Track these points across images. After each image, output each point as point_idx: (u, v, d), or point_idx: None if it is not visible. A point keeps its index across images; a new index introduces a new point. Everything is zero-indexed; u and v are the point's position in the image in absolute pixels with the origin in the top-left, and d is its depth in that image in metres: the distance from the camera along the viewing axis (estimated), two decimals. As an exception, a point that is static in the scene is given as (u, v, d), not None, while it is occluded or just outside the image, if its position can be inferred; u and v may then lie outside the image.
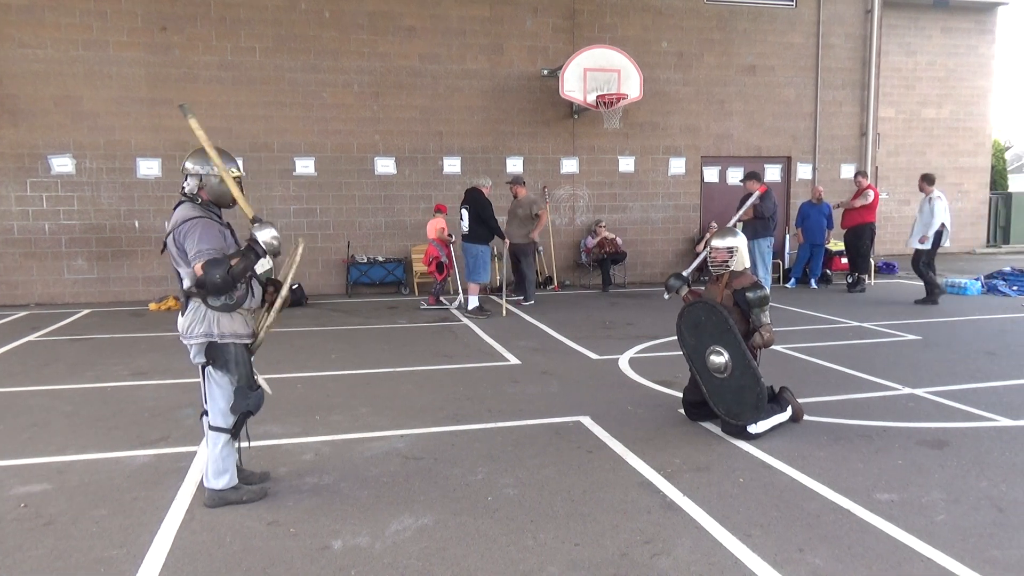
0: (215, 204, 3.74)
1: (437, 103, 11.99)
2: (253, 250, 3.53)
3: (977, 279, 11.45)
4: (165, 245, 3.63)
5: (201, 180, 3.66)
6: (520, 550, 3.28)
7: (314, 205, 11.73)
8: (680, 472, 4.15)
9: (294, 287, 10.71)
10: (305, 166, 11.61)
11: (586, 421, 5.09)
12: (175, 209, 3.68)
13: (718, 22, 13.06)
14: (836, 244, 13.08)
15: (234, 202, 3.67)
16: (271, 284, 3.88)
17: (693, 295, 5.12)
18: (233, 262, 3.47)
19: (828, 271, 12.85)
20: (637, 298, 11.27)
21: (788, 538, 3.37)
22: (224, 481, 3.72)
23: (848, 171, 13.79)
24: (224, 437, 3.71)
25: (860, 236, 11.61)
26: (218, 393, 3.70)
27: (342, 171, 11.76)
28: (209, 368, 3.69)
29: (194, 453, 4.52)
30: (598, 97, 11.43)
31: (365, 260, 11.67)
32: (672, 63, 12.90)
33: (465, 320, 9.29)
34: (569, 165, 12.67)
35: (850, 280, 11.74)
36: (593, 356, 7.18)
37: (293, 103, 11.48)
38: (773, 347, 7.35)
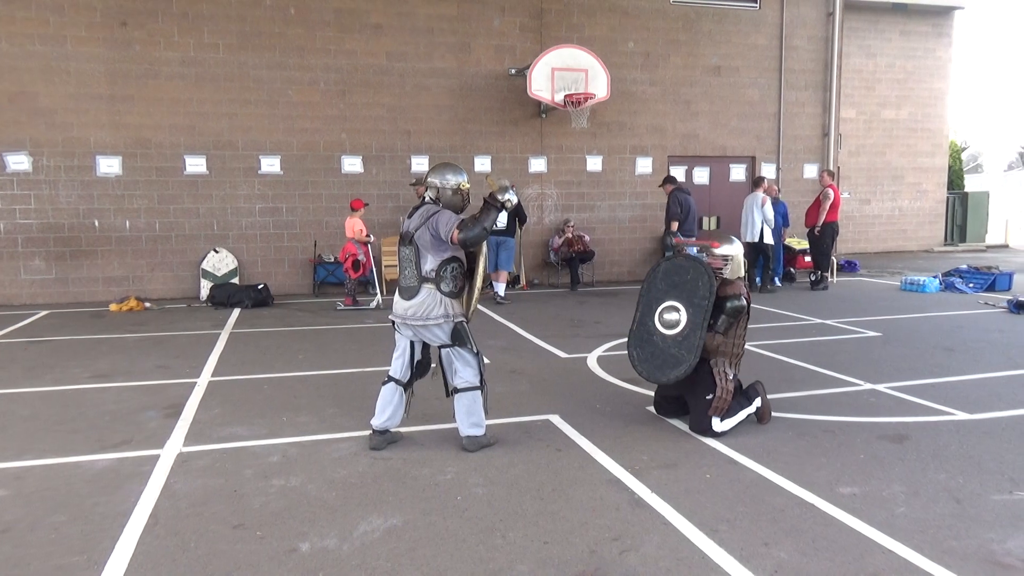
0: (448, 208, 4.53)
1: (404, 101, 11.93)
2: (492, 205, 4.38)
3: (935, 277, 11.72)
4: (411, 239, 4.39)
5: (438, 191, 4.49)
6: (489, 549, 3.28)
7: (280, 204, 11.59)
8: (648, 469, 4.19)
9: (259, 287, 10.59)
10: (271, 164, 11.47)
11: (555, 419, 5.10)
12: (416, 210, 4.48)
13: (684, 23, 13.19)
14: (800, 243, 13.29)
15: (461, 210, 4.52)
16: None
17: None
18: (478, 217, 4.29)
19: (792, 269, 13.04)
20: (605, 296, 11.34)
21: (754, 532, 3.41)
22: (483, 428, 4.51)
23: (810, 171, 14.04)
24: (478, 392, 4.48)
25: (823, 235, 11.81)
26: (465, 361, 4.46)
27: (308, 170, 11.64)
28: (454, 348, 4.45)
29: (157, 456, 4.44)
30: (566, 96, 11.47)
31: (332, 260, 11.56)
32: (639, 63, 13.00)
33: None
34: (537, 164, 12.69)
35: (813, 278, 11.94)
36: (562, 355, 7.21)
37: (258, 100, 11.33)
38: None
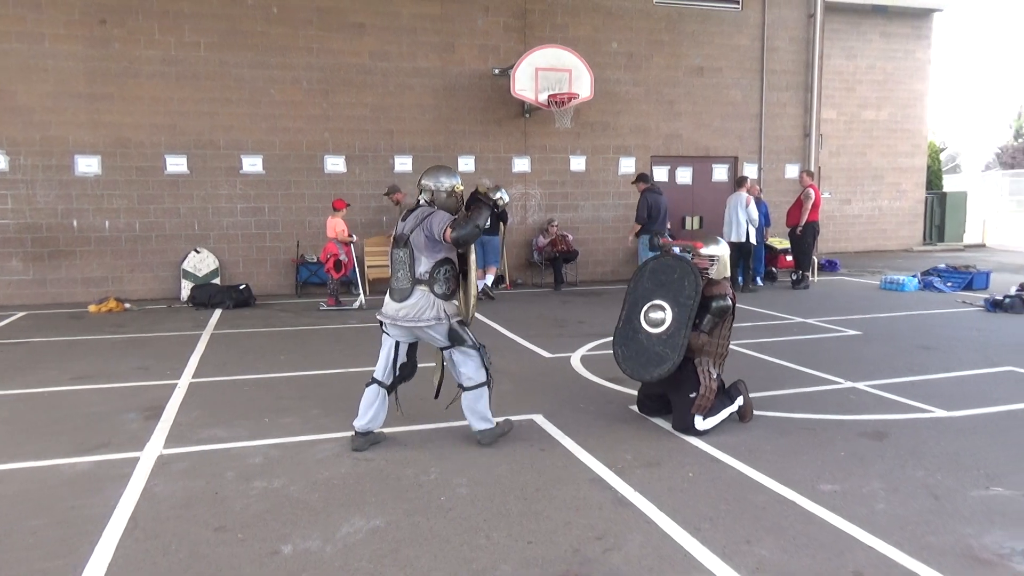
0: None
1: (388, 101, 11.89)
2: (484, 204, 4.56)
3: (914, 276, 11.85)
4: (405, 241, 4.42)
5: (433, 194, 4.52)
6: (473, 549, 3.28)
7: (262, 204, 11.52)
8: (631, 468, 4.20)
9: (241, 287, 10.51)
10: (252, 164, 11.40)
11: (539, 419, 5.11)
12: (411, 213, 4.52)
13: (667, 24, 13.25)
14: (782, 242, 13.39)
15: (456, 212, 4.56)
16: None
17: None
18: (471, 215, 4.36)
19: (774, 268, 13.14)
20: (589, 296, 11.36)
21: (736, 530, 3.44)
22: (491, 421, 4.57)
23: (792, 171, 14.14)
24: (485, 389, 4.54)
25: (804, 234, 11.91)
26: (467, 360, 4.51)
27: (291, 169, 11.57)
28: (456, 347, 4.50)
29: (137, 459, 4.40)
30: (549, 96, 11.48)
31: (315, 260, 11.49)
32: (622, 63, 13.04)
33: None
34: (521, 164, 12.70)
35: (794, 277, 12.04)
36: (545, 354, 7.22)
37: (240, 99, 11.25)
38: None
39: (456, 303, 4.53)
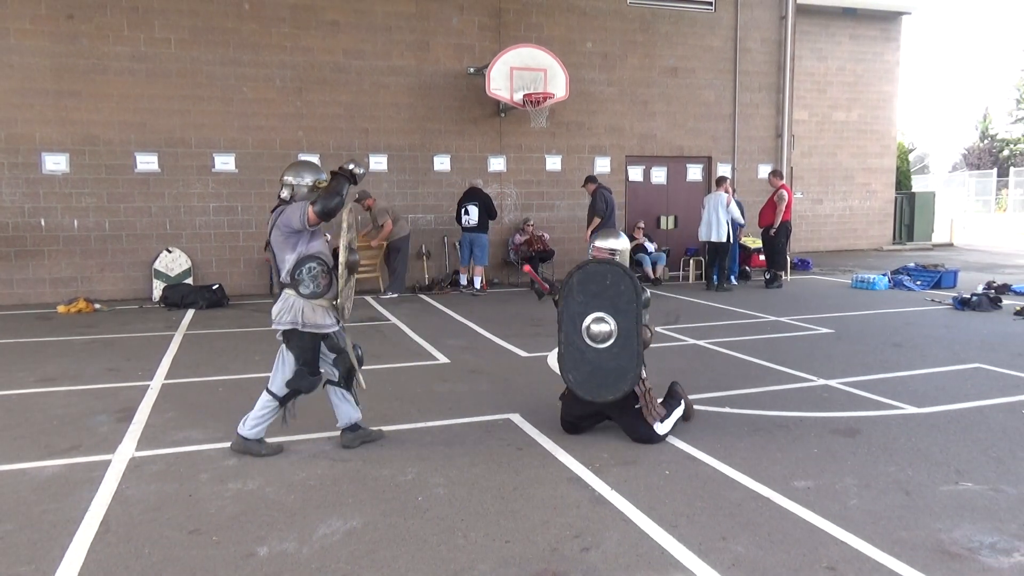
0: None
1: (362, 100, 11.82)
2: (341, 176, 4.29)
3: (884, 274, 12.04)
4: (268, 244, 4.34)
5: (293, 189, 4.33)
6: (451, 549, 3.27)
7: (235, 203, 11.38)
8: (608, 466, 4.22)
9: (214, 287, 10.40)
10: (225, 162, 11.26)
11: (515, 418, 5.11)
12: (273, 212, 4.36)
13: (641, 24, 13.32)
14: (755, 242, 13.53)
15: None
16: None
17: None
18: (329, 188, 4.24)
19: (747, 268, 13.27)
20: (565, 295, 11.38)
21: (712, 527, 3.46)
22: (254, 433, 4.35)
23: (765, 171, 14.28)
24: (273, 403, 4.36)
25: (777, 234, 12.04)
26: (283, 367, 4.34)
27: (264, 168, 11.45)
28: (284, 346, 4.34)
29: (109, 462, 4.32)
30: (525, 96, 11.49)
31: (289, 259, 11.38)
32: (597, 63, 13.08)
33: (393, 319, 9.20)
34: (496, 163, 12.69)
35: (767, 276, 12.17)
36: (522, 354, 7.22)
37: (211, 97, 11.11)
38: (695, 341, 7.57)
39: (325, 307, 4.30)
